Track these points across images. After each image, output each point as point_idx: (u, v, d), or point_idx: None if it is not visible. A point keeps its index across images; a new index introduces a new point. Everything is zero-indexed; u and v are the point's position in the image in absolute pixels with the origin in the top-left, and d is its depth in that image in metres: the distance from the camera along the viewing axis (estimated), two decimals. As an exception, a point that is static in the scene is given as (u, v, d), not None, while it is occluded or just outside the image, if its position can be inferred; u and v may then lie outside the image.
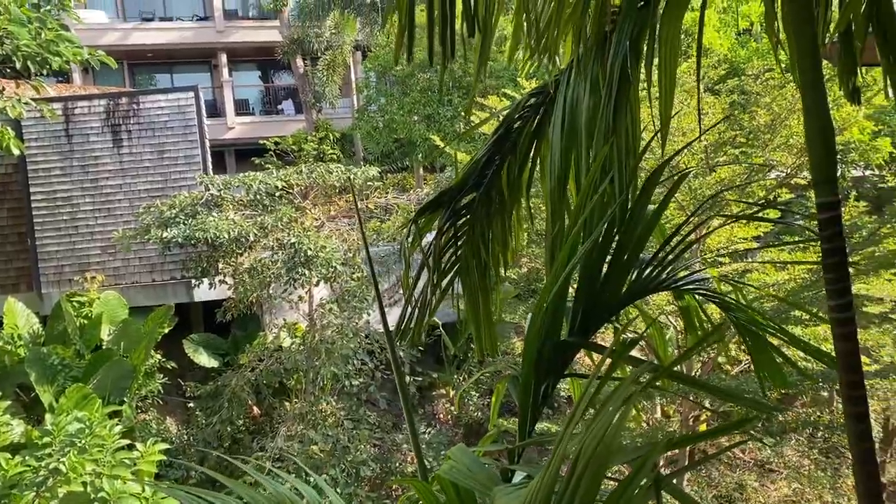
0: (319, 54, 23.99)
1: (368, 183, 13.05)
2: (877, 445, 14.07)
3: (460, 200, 2.71)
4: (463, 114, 17.91)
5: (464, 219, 2.74)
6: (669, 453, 14.94)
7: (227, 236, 12.15)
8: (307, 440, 11.01)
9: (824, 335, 10.91)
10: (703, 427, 14.72)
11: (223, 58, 29.50)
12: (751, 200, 10.12)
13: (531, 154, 2.89)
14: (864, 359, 11.91)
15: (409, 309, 2.51)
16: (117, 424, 8.49)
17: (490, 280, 2.90)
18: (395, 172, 24.28)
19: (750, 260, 11.56)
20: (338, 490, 10.37)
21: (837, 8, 3.08)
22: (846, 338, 2.42)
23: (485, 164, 2.74)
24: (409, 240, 2.56)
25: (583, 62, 2.43)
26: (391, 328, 2.77)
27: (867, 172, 16.01)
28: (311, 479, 8.72)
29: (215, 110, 29.08)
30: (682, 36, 13.06)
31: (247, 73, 31.87)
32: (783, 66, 9.67)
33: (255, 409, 13.56)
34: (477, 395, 15.03)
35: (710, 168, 10.35)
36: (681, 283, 2.83)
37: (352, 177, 12.48)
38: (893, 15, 3.18)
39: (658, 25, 2.77)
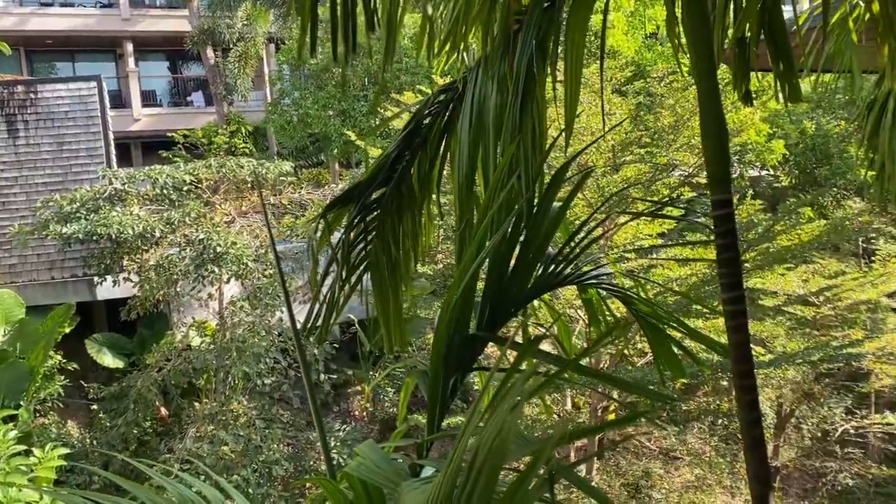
0: (231, 45, 23.36)
1: (281, 178, 12.81)
2: (771, 431, 14.86)
3: (370, 195, 2.70)
4: (380, 109, 17.84)
5: (374, 213, 2.73)
6: (581, 444, 15.35)
7: (131, 232, 11.69)
8: (217, 441, 10.73)
9: (722, 328, 11.43)
10: (611, 417, 15.20)
11: (129, 47, 28.34)
12: (654, 198, 10.50)
13: (441, 150, 2.91)
14: (759, 349, 12.57)
15: (317, 306, 2.49)
16: (12, 430, 8.04)
17: (400, 275, 2.90)
18: (310, 167, 23.93)
19: (654, 257, 12.00)
20: (249, 490, 10.15)
21: (733, 17, 3.24)
22: (738, 329, 2.55)
23: (395, 159, 2.74)
24: (318, 235, 2.53)
25: (490, 60, 2.46)
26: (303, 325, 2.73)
27: (763, 172, 16.86)
28: (218, 482, 8.51)
29: (120, 101, 27.89)
30: (591, 37, 13.42)
31: (154, 64, 30.71)
32: (686, 69, 10.08)
33: (162, 410, 13.11)
34: (392, 391, 15.02)
35: (617, 167, 10.68)
36: (584, 277, 2.91)
37: (264, 171, 12.22)
38: (784, 26, 3.37)
39: (564, 26, 2.84)
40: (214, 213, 12.51)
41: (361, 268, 2.69)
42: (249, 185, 12.43)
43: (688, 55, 2.73)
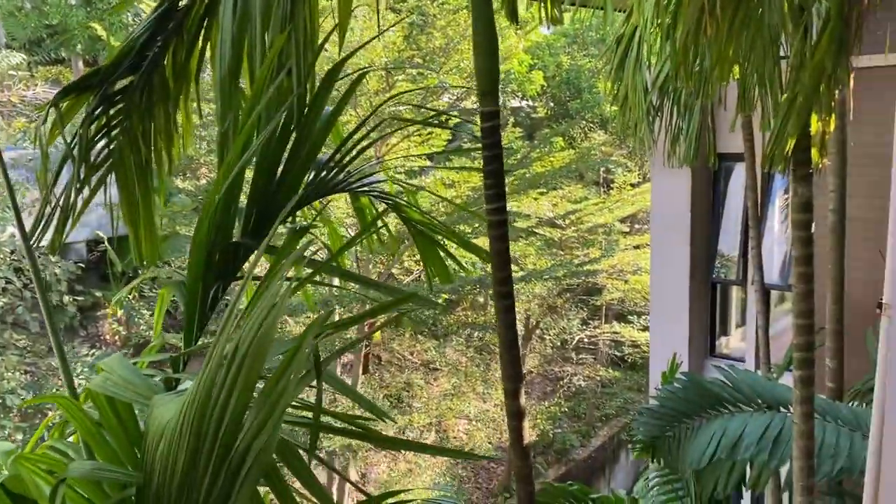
0: None
1: (11, 73, 11.12)
2: (519, 342, 16.25)
3: (114, 84, 2.38)
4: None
5: (119, 106, 2.41)
6: (346, 360, 15.67)
7: None
8: (-64, 372, 9.41)
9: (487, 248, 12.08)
10: (377, 335, 15.67)
11: None
12: (421, 119, 10.66)
13: (201, 37, 2.63)
14: (513, 267, 13.57)
15: (48, 210, 2.16)
16: None
17: (152, 179, 2.63)
18: (49, 65, 21.04)
19: (423, 178, 12.29)
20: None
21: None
22: (500, 238, 2.65)
23: (145, 44, 2.42)
24: (48, 127, 2.18)
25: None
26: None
27: (523, 104, 17.84)
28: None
29: None
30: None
31: None
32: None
33: None
34: (148, 313, 14.11)
35: (390, 86, 10.66)
36: (356, 184, 2.84)
37: (-12, 63, 10.51)
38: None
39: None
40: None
41: (104, 168, 2.38)
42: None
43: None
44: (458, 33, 10.83)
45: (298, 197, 2.61)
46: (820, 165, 3.34)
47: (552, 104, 17.86)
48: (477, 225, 12.91)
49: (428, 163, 12.20)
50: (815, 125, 3.14)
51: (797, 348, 3.36)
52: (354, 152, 2.76)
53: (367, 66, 10.55)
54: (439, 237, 3.01)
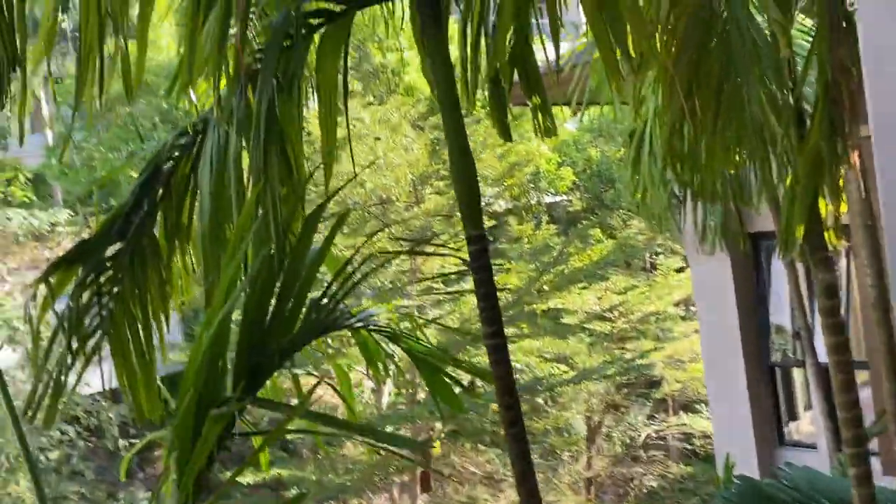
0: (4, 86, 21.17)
1: (59, 228, 11.70)
2: (584, 444, 15.63)
3: (103, 252, 2.43)
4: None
5: (109, 273, 2.46)
6: (408, 478, 15.25)
7: None
8: (-4, 530, 9.45)
9: (527, 349, 11.88)
10: (437, 445, 15.27)
11: None
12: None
13: (188, 195, 2.70)
14: (563, 367, 13.23)
15: (41, 385, 2.17)
16: None
17: (151, 340, 2.64)
18: (101, 214, 22.16)
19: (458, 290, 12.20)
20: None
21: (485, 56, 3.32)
22: (499, 363, 2.56)
23: (131, 210, 2.50)
24: (38, 302, 2.23)
25: (226, 103, 2.31)
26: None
27: (558, 198, 17.92)
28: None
29: None
30: (388, 74, 13.52)
31: (-90, 106, 27.16)
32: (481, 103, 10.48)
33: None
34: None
35: (418, 199, 10.86)
36: (352, 320, 2.81)
37: (37, 222, 11.10)
38: (536, 64, 3.51)
39: (314, 64, 2.76)
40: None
41: (97, 337, 2.40)
42: (20, 239, 11.22)
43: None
44: (478, 143, 11.06)
45: (291, 340, 2.58)
46: (840, 247, 3.20)
47: (587, 196, 17.91)
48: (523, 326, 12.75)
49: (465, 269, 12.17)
50: (823, 208, 3.03)
51: (847, 444, 3.11)
52: (347, 287, 2.74)
53: (392, 183, 10.83)
54: (444, 366, 2.93)
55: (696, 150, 2.88)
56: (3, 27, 1.56)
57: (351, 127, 3.01)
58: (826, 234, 3.12)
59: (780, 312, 7.93)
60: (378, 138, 10.88)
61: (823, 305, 3.07)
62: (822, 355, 6.78)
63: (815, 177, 2.76)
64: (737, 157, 2.78)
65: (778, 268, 7.80)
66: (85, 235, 13.45)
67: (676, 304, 16.45)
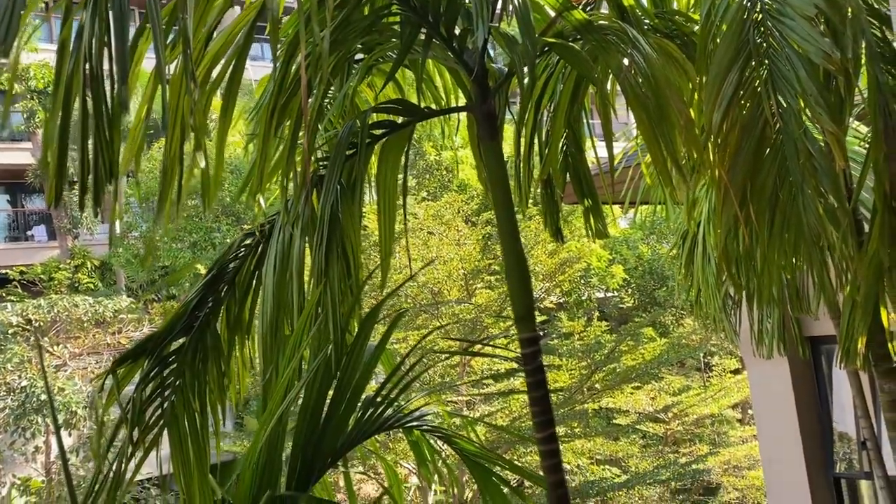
0: (76, 178, 22.38)
1: (121, 315, 12.07)
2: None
3: (167, 346, 2.52)
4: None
5: (172, 367, 2.54)
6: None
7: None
8: None
9: (579, 450, 11.53)
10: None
11: (-37, 179, 26.55)
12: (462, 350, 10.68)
13: (251, 293, 2.80)
14: (615, 469, 12.75)
15: (101, 477, 2.22)
16: None
17: (206, 431, 2.69)
18: (162, 301, 22.78)
19: (512, 381, 12.06)
20: None
21: (539, 162, 3.43)
22: (553, 469, 2.52)
23: (196, 307, 2.60)
24: (104, 394, 2.31)
25: (293, 205, 2.43)
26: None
27: (609, 294, 17.78)
28: None
29: (-50, 236, 25.78)
30: (442, 171, 13.91)
31: (-7, 197, 28.82)
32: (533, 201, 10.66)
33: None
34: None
35: (470, 294, 10.90)
36: (405, 419, 2.82)
37: (101, 309, 11.48)
38: (587, 167, 3.61)
39: (373, 171, 2.89)
40: (49, 356, 11.48)
41: (157, 428, 2.47)
42: (85, 325, 11.59)
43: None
44: (530, 239, 11.16)
45: (345, 438, 2.60)
46: (904, 357, 3.10)
47: (637, 294, 17.73)
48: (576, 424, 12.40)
49: (514, 365, 12.03)
50: (886, 318, 2.96)
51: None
52: (402, 386, 2.77)
53: (445, 276, 10.92)
54: (496, 468, 2.89)
55: (750, 254, 2.88)
56: (103, 144, 1.70)
57: (405, 223, 3.11)
58: (889, 344, 3.04)
59: (844, 420, 7.58)
60: (431, 233, 11.07)
61: (890, 419, 2.96)
62: (892, 468, 6.43)
63: (875, 285, 2.71)
64: (793, 263, 2.76)
65: (840, 373, 7.51)
66: (145, 323, 13.84)
67: (733, 407, 15.87)
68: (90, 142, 1.61)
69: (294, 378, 2.46)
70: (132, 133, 2.07)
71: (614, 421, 13.82)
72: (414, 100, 2.82)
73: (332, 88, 3.05)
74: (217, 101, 2.53)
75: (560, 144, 3.11)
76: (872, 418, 6.10)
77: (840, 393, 7.58)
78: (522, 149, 3.22)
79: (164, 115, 1.73)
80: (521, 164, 3.24)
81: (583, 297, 15.72)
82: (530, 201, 3.95)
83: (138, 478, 2.65)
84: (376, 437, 3.01)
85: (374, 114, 2.77)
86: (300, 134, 2.30)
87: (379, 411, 2.77)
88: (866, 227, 2.96)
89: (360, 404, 2.75)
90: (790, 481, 7.61)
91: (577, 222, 13.60)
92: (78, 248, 23.77)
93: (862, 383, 5.84)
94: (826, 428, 7.64)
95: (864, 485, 7.76)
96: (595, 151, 3.66)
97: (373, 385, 2.82)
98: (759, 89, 2.58)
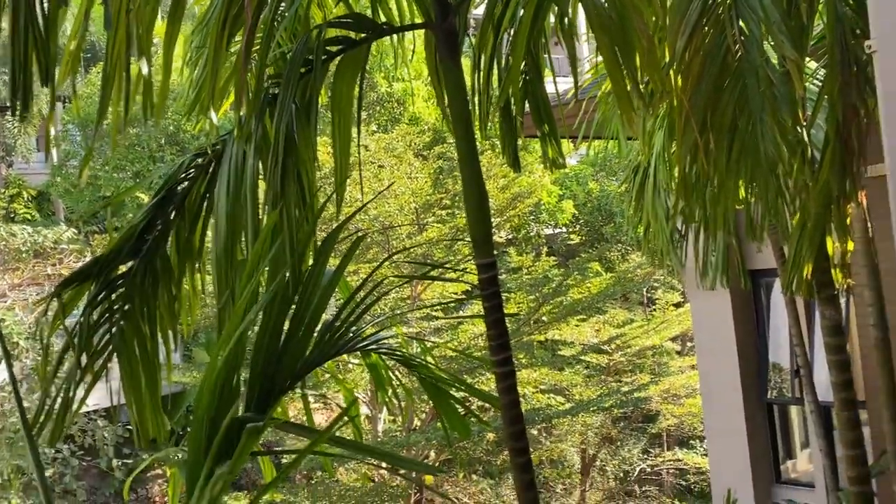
0: (10, 103, 21.29)
1: (63, 246, 11.70)
2: (578, 477, 15.50)
3: (114, 270, 2.44)
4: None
5: (120, 291, 2.46)
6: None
7: None
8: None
9: (533, 380, 11.82)
10: (429, 478, 15.11)
11: None
12: (457, 257, 10.77)
13: (202, 216, 2.72)
14: (560, 398, 13.15)
15: (48, 400, 2.16)
16: None
17: (158, 359, 2.63)
18: (104, 233, 22.17)
19: (459, 315, 12.20)
20: None
21: (498, 86, 3.37)
22: (508, 390, 2.55)
23: (144, 229, 2.51)
24: (49, 318, 2.23)
25: (245, 124, 2.34)
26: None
27: (557, 231, 18.00)
28: None
29: None
30: (396, 105, 13.69)
31: (-84, 121, 27.27)
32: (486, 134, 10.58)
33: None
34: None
35: (421, 227, 10.89)
36: (364, 343, 2.81)
37: (41, 239, 11.09)
38: (546, 94, 3.56)
39: (329, 90, 2.79)
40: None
41: (106, 353, 2.40)
42: (24, 255, 11.21)
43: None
44: (483, 174, 11.13)
45: (304, 361, 2.58)
46: (844, 286, 3.21)
47: (586, 230, 17.99)
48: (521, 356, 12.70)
49: (464, 297, 12.18)
50: (831, 246, 3.05)
51: (851, 482, 3.10)
52: (359, 311, 2.75)
53: (397, 210, 10.86)
54: (453, 389, 2.92)
55: (706, 183, 2.91)
56: (38, 44, 1.58)
57: (359, 154, 3.04)
58: (832, 273, 3.14)
59: (778, 350, 7.93)
60: (382, 166, 10.94)
61: (829, 343, 3.08)
62: (822, 393, 6.77)
63: (824, 214, 2.78)
64: (749, 192, 2.81)
65: (777, 305, 7.81)
66: (87, 254, 13.45)
67: (673, 339, 16.44)
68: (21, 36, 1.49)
69: (252, 301, 2.42)
70: (70, 39, 1.94)
71: (559, 352, 14.19)
72: (366, 20, 2.72)
73: (283, 6, 2.91)
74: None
75: (520, 67, 3.05)
76: (807, 347, 6.39)
77: (777, 324, 7.90)
78: (482, 71, 3.15)
79: (105, 10, 1.61)
80: (481, 83, 3.16)
81: (531, 234, 15.85)
82: (481, 136, 3.91)
83: (84, 409, 2.60)
84: (326, 369, 3.00)
85: (329, 29, 2.66)
86: (253, 49, 2.20)
87: (338, 335, 2.76)
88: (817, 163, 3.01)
89: (318, 328, 2.73)
90: (726, 407, 7.97)
91: (530, 157, 13.60)
92: (13, 177, 22.82)
93: (798, 314, 6.08)
94: (762, 357, 7.99)
95: (793, 410, 8.19)
96: (555, 83, 3.61)
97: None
98: (722, 16, 2.56)
